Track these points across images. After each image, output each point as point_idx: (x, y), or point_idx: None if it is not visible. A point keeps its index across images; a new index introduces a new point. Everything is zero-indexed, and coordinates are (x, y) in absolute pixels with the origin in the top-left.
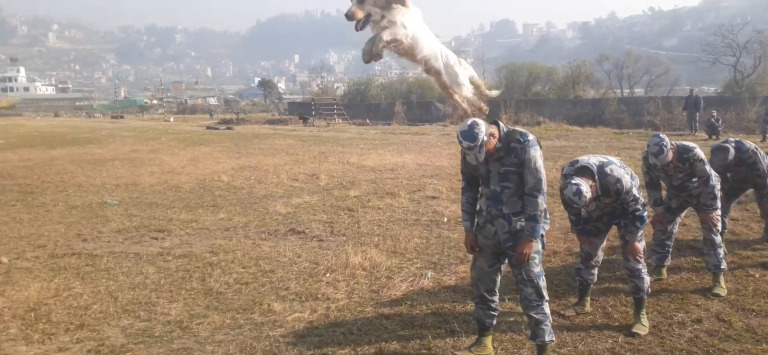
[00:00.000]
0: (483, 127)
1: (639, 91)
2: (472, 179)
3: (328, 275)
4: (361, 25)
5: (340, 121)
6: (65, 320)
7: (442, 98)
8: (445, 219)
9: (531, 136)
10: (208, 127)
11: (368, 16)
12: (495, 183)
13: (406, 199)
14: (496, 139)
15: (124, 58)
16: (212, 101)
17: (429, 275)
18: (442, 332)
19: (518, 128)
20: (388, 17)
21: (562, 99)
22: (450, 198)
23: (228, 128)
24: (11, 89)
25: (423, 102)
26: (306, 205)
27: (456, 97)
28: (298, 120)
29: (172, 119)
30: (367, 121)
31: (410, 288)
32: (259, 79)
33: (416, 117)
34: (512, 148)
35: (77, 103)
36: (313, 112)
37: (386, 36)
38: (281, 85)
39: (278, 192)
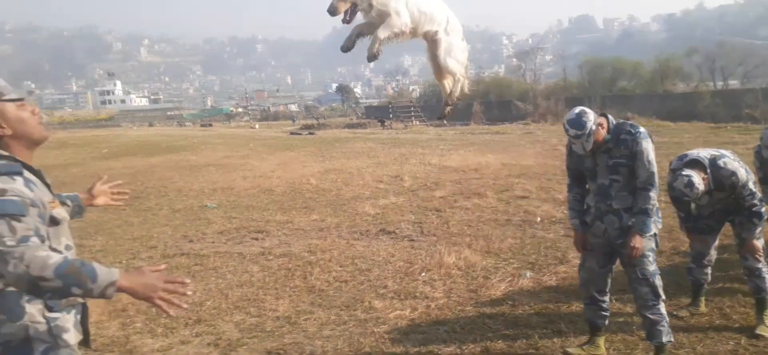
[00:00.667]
0: (591, 116)
1: (734, 83)
2: (578, 174)
3: (423, 274)
4: (347, 18)
5: (418, 123)
6: (183, 315)
7: (523, 96)
8: (538, 219)
9: (642, 129)
10: (291, 133)
11: (354, 5)
12: (603, 176)
13: (494, 199)
14: (604, 130)
15: (209, 69)
16: (293, 108)
17: (528, 275)
18: (549, 332)
19: (628, 121)
20: (377, 6)
21: (650, 94)
22: (540, 198)
23: (310, 133)
24: (109, 102)
25: (502, 101)
26: (393, 206)
27: (443, 68)
28: (376, 123)
29: (257, 126)
30: (444, 122)
31: (510, 288)
32: (337, 84)
33: (495, 116)
34: (622, 140)
35: (168, 113)
36: (391, 115)
37: (382, 34)
38: (358, 90)
39: (365, 194)
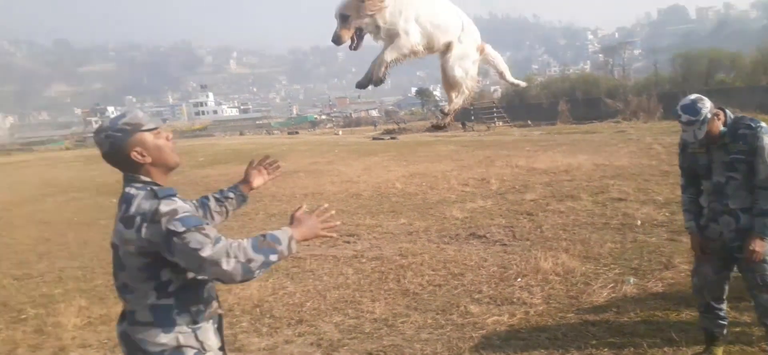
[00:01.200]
0: (707, 103)
1: None
2: (693, 173)
3: (519, 279)
4: (354, 45)
5: (501, 124)
6: (286, 315)
7: (612, 93)
8: (639, 222)
9: (764, 124)
10: (374, 138)
11: (359, 30)
12: (718, 174)
13: (589, 201)
14: (721, 123)
15: (293, 79)
16: (374, 113)
17: (631, 281)
18: (658, 341)
19: (747, 115)
20: (385, 27)
21: (752, 87)
22: (639, 200)
23: (392, 138)
24: (203, 113)
25: (589, 98)
26: (482, 209)
27: (450, 77)
28: (457, 126)
29: (340, 132)
30: (529, 122)
31: (612, 295)
32: (416, 88)
33: (582, 115)
34: (741, 135)
35: (257, 122)
36: (472, 117)
37: (389, 56)
38: (436, 93)
39: (451, 197)
